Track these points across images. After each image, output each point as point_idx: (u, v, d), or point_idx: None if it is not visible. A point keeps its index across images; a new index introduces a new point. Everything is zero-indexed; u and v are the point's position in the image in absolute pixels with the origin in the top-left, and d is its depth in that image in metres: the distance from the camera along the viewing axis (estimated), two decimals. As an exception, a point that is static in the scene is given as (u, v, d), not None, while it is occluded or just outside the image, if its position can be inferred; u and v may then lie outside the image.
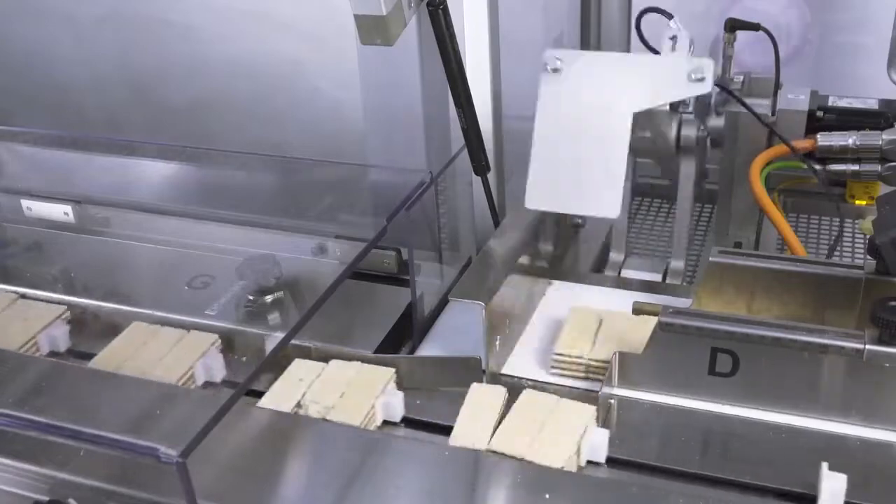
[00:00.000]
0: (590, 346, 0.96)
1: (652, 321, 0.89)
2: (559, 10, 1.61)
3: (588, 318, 1.01)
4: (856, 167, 1.15)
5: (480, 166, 1.16)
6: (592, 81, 0.96)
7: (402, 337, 1.05)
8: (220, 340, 1.01)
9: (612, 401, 0.90)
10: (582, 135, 0.96)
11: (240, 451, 0.83)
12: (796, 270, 0.94)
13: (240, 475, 0.81)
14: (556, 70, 0.96)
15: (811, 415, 0.86)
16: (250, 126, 1.34)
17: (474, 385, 0.91)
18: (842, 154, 1.15)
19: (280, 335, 0.94)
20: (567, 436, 0.83)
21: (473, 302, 0.93)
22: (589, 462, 0.84)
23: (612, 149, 0.95)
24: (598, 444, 0.83)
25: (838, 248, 1.35)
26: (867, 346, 0.81)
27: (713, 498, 0.80)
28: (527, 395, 0.89)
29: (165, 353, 0.98)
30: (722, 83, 1.31)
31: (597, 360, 0.94)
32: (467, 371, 0.93)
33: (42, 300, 1.10)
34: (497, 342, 0.97)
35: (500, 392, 0.89)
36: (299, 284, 1.11)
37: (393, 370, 0.93)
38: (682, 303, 1.00)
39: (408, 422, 0.92)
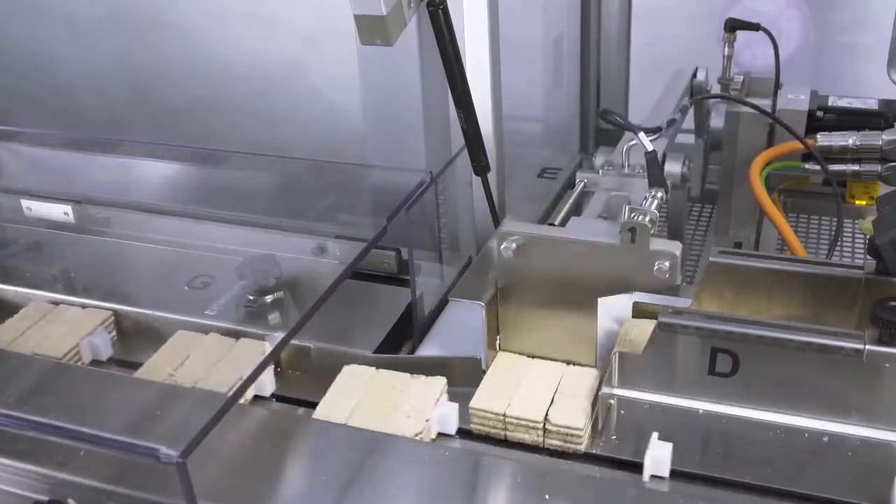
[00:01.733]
0: (507, 402, 0.89)
1: (652, 321, 0.89)
2: (559, 10, 1.61)
3: (512, 367, 0.96)
4: (856, 167, 1.15)
5: (480, 166, 1.16)
6: (557, 266, 0.92)
7: (402, 337, 1.05)
8: (111, 319, 1.04)
9: (612, 401, 0.90)
10: (552, 311, 0.94)
11: (240, 451, 0.83)
12: (796, 270, 0.94)
13: (240, 475, 0.81)
14: (512, 251, 0.91)
15: (811, 415, 0.86)
16: (250, 126, 1.34)
17: (346, 367, 0.94)
18: (842, 154, 1.15)
19: (280, 335, 0.94)
20: (419, 409, 0.88)
21: (473, 302, 0.93)
22: (441, 434, 0.88)
23: (582, 329, 0.94)
24: (447, 415, 0.88)
25: (838, 246, 1.35)
26: (867, 346, 0.81)
27: (713, 498, 0.80)
28: (380, 374, 0.93)
29: (55, 331, 1.01)
30: (722, 83, 1.31)
31: (515, 417, 0.88)
32: (467, 371, 0.93)
33: (40, 300, 1.10)
34: (497, 342, 0.97)
35: (367, 372, 0.93)
36: (299, 284, 1.11)
37: (265, 344, 0.97)
38: (682, 303, 1.00)
39: (279, 398, 0.96)
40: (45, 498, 0.80)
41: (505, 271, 0.94)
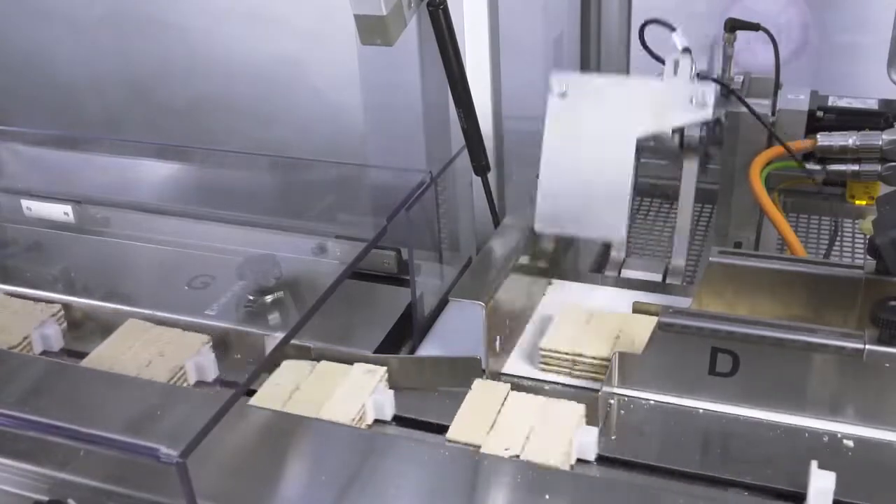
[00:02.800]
0: (575, 343, 0.97)
1: (652, 321, 0.89)
2: (559, 10, 1.61)
3: (577, 315, 1.02)
4: (856, 167, 1.15)
5: (480, 166, 1.16)
6: (598, 106, 0.98)
7: (402, 337, 1.05)
8: (211, 340, 1.01)
9: (612, 401, 0.90)
10: (588, 159, 0.99)
11: (240, 451, 0.83)
12: (796, 270, 0.94)
13: (240, 475, 0.81)
14: (562, 94, 0.98)
15: (811, 415, 0.86)
16: (250, 126, 1.34)
17: (477, 381, 0.91)
18: (842, 154, 1.15)
19: (280, 335, 0.94)
20: (559, 435, 0.84)
21: (473, 302, 0.93)
22: (579, 460, 0.85)
23: (616, 173, 0.98)
24: (587, 442, 0.84)
25: (838, 245, 1.35)
26: (867, 346, 0.81)
27: (713, 498, 0.80)
28: (515, 397, 0.90)
29: (158, 352, 0.99)
30: (723, 82, 1.31)
31: (583, 356, 0.95)
32: (467, 371, 0.93)
33: (41, 300, 1.10)
34: (497, 342, 0.97)
35: (502, 389, 0.90)
36: (299, 284, 1.11)
37: (384, 369, 0.94)
38: (682, 303, 1.00)
39: (399, 420, 0.92)
40: (45, 498, 0.80)
41: (553, 116, 0.99)
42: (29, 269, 1.21)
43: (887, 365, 0.82)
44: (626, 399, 0.90)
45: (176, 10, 1.31)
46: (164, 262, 1.23)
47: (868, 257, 0.92)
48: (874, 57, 1.25)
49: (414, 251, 1.05)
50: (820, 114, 1.21)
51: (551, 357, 0.97)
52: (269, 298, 1.09)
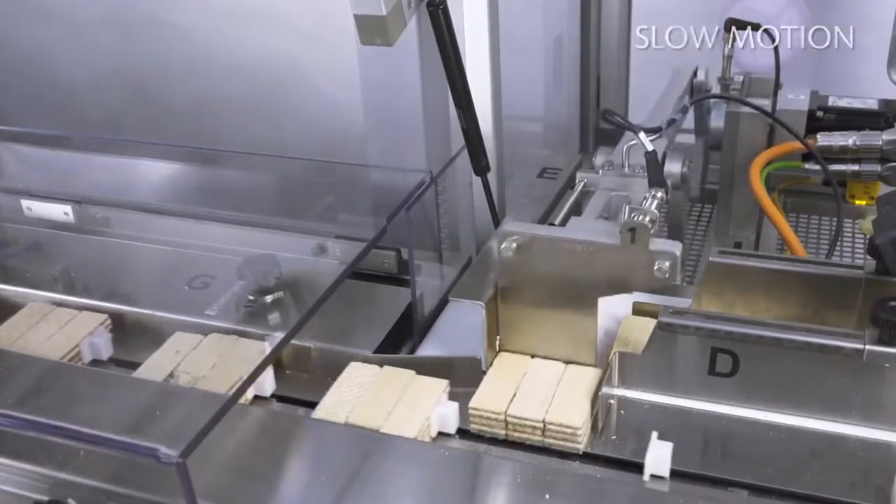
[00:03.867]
0: (508, 401, 0.89)
1: (651, 322, 0.89)
2: (559, 10, 1.61)
3: (513, 367, 0.95)
4: (856, 167, 1.15)
5: (480, 166, 1.16)
6: (557, 266, 0.92)
7: (402, 337, 1.05)
8: (109, 320, 1.04)
9: (612, 401, 0.90)
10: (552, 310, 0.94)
11: (240, 451, 0.83)
12: (796, 270, 0.94)
13: (240, 475, 0.81)
14: (514, 250, 0.91)
15: (811, 415, 0.86)
16: (250, 126, 1.34)
17: (351, 364, 0.94)
18: (842, 154, 1.15)
19: (280, 335, 0.94)
20: (419, 408, 0.88)
21: (473, 302, 0.93)
22: (441, 433, 0.88)
23: (582, 329, 0.94)
24: (446, 415, 0.88)
25: (837, 246, 1.35)
26: (867, 346, 0.81)
27: (713, 498, 0.80)
28: (386, 371, 0.92)
29: (55, 332, 1.02)
30: (722, 83, 1.31)
31: (515, 417, 0.87)
32: (467, 371, 0.93)
33: (42, 300, 1.10)
34: (497, 342, 0.97)
35: (370, 370, 0.93)
36: (299, 284, 1.11)
37: (266, 344, 0.97)
38: (682, 303, 1.00)
39: (279, 398, 0.96)
40: (45, 498, 0.80)
41: (505, 271, 0.94)
42: (29, 269, 1.21)
43: (887, 365, 0.82)
44: (627, 399, 0.90)
45: (176, 9, 1.31)
46: (164, 262, 1.23)
47: (868, 257, 0.92)
48: (874, 57, 1.25)
49: (414, 251, 1.05)
50: (820, 114, 1.21)
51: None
52: (269, 298, 1.09)
